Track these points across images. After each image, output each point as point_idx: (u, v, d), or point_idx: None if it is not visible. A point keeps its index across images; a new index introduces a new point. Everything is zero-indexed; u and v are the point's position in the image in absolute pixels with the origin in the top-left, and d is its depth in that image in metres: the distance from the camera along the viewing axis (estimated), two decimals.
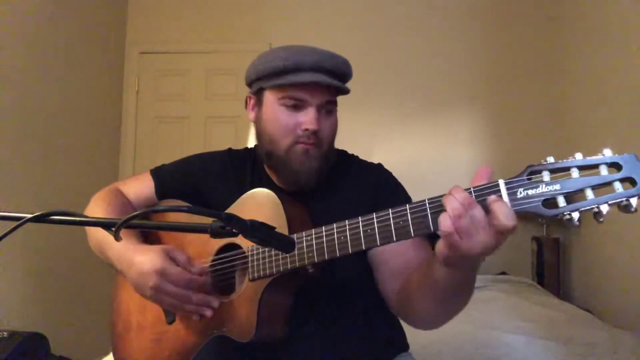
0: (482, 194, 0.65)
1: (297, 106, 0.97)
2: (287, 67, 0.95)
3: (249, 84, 1.07)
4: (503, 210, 0.61)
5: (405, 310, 0.91)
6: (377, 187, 1.04)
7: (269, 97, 1.00)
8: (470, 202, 0.63)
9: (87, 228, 1.04)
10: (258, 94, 1.04)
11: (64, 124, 2.72)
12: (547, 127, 3.15)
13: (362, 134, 3.15)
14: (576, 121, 2.89)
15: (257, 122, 1.05)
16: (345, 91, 1.02)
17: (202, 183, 1.10)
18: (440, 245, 0.67)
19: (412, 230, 0.70)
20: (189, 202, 1.06)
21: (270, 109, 1.00)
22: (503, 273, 2.92)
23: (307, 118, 0.96)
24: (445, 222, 0.64)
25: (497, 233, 0.63)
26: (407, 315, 0.92)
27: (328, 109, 1.00)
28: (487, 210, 0.63)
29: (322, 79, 0.94)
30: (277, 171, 1.03)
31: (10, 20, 2.31)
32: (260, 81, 1.01)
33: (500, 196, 0.63)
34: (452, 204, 0.64)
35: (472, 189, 0.65)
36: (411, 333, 1.05)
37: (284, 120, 0.97)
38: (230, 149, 1.17)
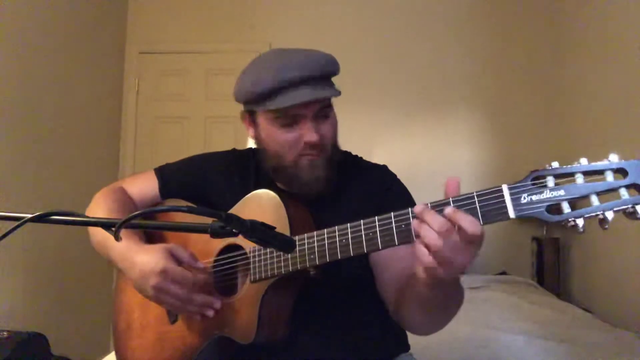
0: (485, 199, 0.64)
1: (292, 123, 0.95)
2: (274, 88, 0.91)
3: (241, 102, 1.04)
4: (467, 220, 0.61)
5: (399, 317, 0.92)
6: (382, 190, 1.03)
7: (262, 119, 0.98)
8: (446, 228, 0.62)
9: (89, 227, 1.03)
10: (251, 115, 1.02)
11: (64, 124, 2.71)
12: (547, 127, 3.15)
13: (362, 134, 3.15)
14: (576, 121, 2.89)
15: (257, 140, 1.04)
16: (337, 95, 0.98)
17: (206, 183, 1.10)
18: (420, 272, 0.66)
19: (414, 235, 0.69)
20: (192, 201, 1.05)
21: (266, 130, 0.98)
22: (503, 273, 2.92)
23: (306, 131, 0.94)
24: (425, 259, 0.63)
25: (470, 248, 0.62)
26: (401, 322, 0.92)
27: (323, 115, 0.98)
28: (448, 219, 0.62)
29: (311, 96, 0.91)
30: (287, 184, 1.01)
31: (9, 20, 2.30)
32: (250, 105, 0.99)
33: (504, 200, 0.63)
34: (430, 237, 0.62)
35: (475, 193, 0.65)
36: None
37: (283, 139, 0.96)
38: (234, 149, 1.17)
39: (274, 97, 0.92)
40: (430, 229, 0.62)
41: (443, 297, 0.75)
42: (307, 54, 0.95)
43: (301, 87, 0.91)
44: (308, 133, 0.94)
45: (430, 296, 0.73)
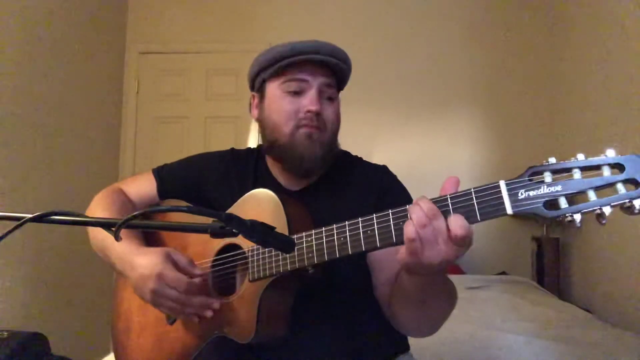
0: (482, 195, 0.64)
1: (299, 92, 0.98)
2: (285, 53, 0.97)
3: (252, 83, 1.07)
4: (457, 220, 0.63)
5: (392, 317, 0.92)
6: (381, 190, 1.03)
7: (271, 87, 1.01)
8: (434, 212, 0.65)
9: (89, 229, 1.03)
10: (261, 89, 1.05)
11: (64, 124, 2.72)
12: (547, 126, 3.16)
13: (362, 134, 3.15)
14: (576, 120, 2.89)
15: (261, 116, 1.06)
16: (344, 75, 1.03)
17: (204, 183, 1.10)
18: (402, 253, 0.68)
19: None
20: (191, 201, 1.05)
21: (273, 98, 1.01)
22: (503, 273, 2.93)
23: (308, 100, 0.97)
24: (409, 230, 0.65)
25: (454, 244, 0.64)
26: (393, 321, 0.93)
27: (329, 96, 1.01)
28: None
29: (317, 57, 0.96)
30: (281, 159, 1.03)
31: (9, 20, 2.30)
32: (261, 73, 1.02)
33: (501, 196, 0.63)
34: (417, 214, 0.65)
35: (472, 190, 0.65)
36: None
37: (287, 106, 0.98)
38: (232, 149, 1.17)
39: (286, 60, 0.97)
40: (420, 208, 0.66)
41: (426, 290, 0.76)
42: (324, 41, 1.01)
43: (313, 54, 0.97)
44: (310, 101, 0.97)
45: (413, 287, 0.75)
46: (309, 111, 0.96)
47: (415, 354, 1.07)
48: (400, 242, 0.71)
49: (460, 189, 0.67)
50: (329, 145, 1.00)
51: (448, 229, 0.64)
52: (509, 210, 0.62)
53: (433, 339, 0.99)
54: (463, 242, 0.64)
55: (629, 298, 2.21)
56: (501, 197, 0.63)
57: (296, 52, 0.97)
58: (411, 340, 1.09)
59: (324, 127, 0.99)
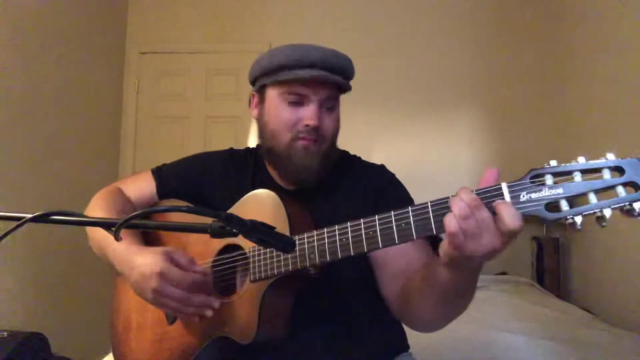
0: (485, 197, 0.64)
1: (298, 102, 0.98)
2: (288, 64, 0.96)
3: (252, 82, 1.07)
4: (509, 211, 0.61)
5: (405, 312, 0.91)
6: (379, 189, 1.04)
7: (271, 94, 1.01)
8: (477, 203, 0.63)
9: (88, 229, 1.03)
10: (261, 91, 1.04)
11: (64, 123, 2.71)
12: (548, 127, 3.15)
13: (362, 134, 3.15)
14: (578, 121, 2.89)
15: (260, 119, 1.06)
16: (346, 88, 1.02)
17: (203, 183, 1.10)
18: (444, 246, 0.66)
19: (414, 233, 0.69)
20: (190, 201, 1.05)
21: (272, 105, 1.01)
22: (503, 273, 2.92)
23: (308, 113, 0.96)
24: (451, 223, 0.63)
25: (502, 235, 0.62)
26: (407, 317, 0.92)
27: (329, 106, 1.00)
28: (493, 212, 0.63)
29: (321, 75, 0.95)
30: (277, 167, 1.03)
31: (9, 19, 2.30)
32: (262, 78, 1.02)
33: (503, 199, 0.63)
34: (459, 205, 0.63)
35: (474, 192, 0.65)
36: (412, 334, 1.05)
37: (286, 116, 0.98)
38: (231, 149, 1.17)
39: (287, 70, 0.96)
40: (461, 199, 0.64)
41: (460, 284, 0.74)
42: (328, 48, 1.00)
43: (314, 68, 0.95)
44: (310, 115, 0.96)
45: (449, 281, 0.72)
46: (307, 125, 0.96)
47: (415, 354, 1.07)
48: (402, 242, 0.71)
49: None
50: (327, 154, 1.00)
51: (494, 219, 0.62)
52: None
53: (433, 338, 0.99)
54: (514, 233, 0.62)
55: (629, 298, 2.21)
56: (503, 200, 0.63)
57: (297, 64, 0.95)
58: (411, 340, 1.08)
59: (322, 139, 0.99)
